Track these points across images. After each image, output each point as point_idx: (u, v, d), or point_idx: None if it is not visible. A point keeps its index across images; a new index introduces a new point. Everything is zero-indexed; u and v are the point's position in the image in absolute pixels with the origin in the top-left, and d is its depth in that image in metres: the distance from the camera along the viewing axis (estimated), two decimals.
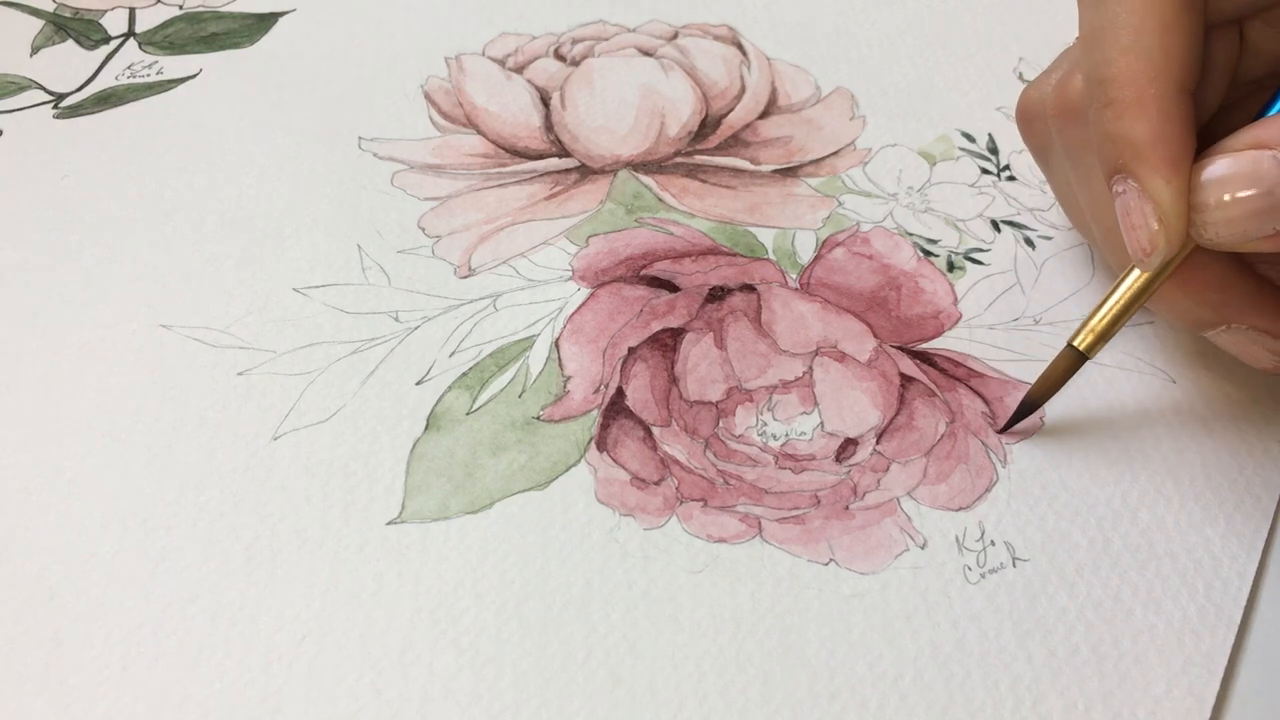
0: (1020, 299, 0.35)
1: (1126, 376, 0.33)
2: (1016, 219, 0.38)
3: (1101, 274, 0.36)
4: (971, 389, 0.33)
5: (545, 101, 0.41)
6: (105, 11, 0.44)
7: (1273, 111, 0.29)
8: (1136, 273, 0.29)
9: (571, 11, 0.45)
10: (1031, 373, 0.33)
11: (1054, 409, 0.33)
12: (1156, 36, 0.27)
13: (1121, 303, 0.30)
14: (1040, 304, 0.35)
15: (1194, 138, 0.27)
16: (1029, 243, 0.37)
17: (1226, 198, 0.26)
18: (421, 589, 0.28)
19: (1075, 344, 0.30)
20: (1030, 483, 0.31)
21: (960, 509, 0.30)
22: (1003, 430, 0.32)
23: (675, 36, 0.44)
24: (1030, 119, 0.34)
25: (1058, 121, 0.31)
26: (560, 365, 0.33)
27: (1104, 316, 0.30)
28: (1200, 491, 0.31)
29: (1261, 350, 0.30)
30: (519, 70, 0.42)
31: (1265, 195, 0.26)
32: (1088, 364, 0.33)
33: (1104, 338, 0.30)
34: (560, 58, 0.43)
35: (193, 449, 0.31)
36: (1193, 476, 0.31)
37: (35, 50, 0.43)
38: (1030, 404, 0.32)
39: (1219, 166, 0.27)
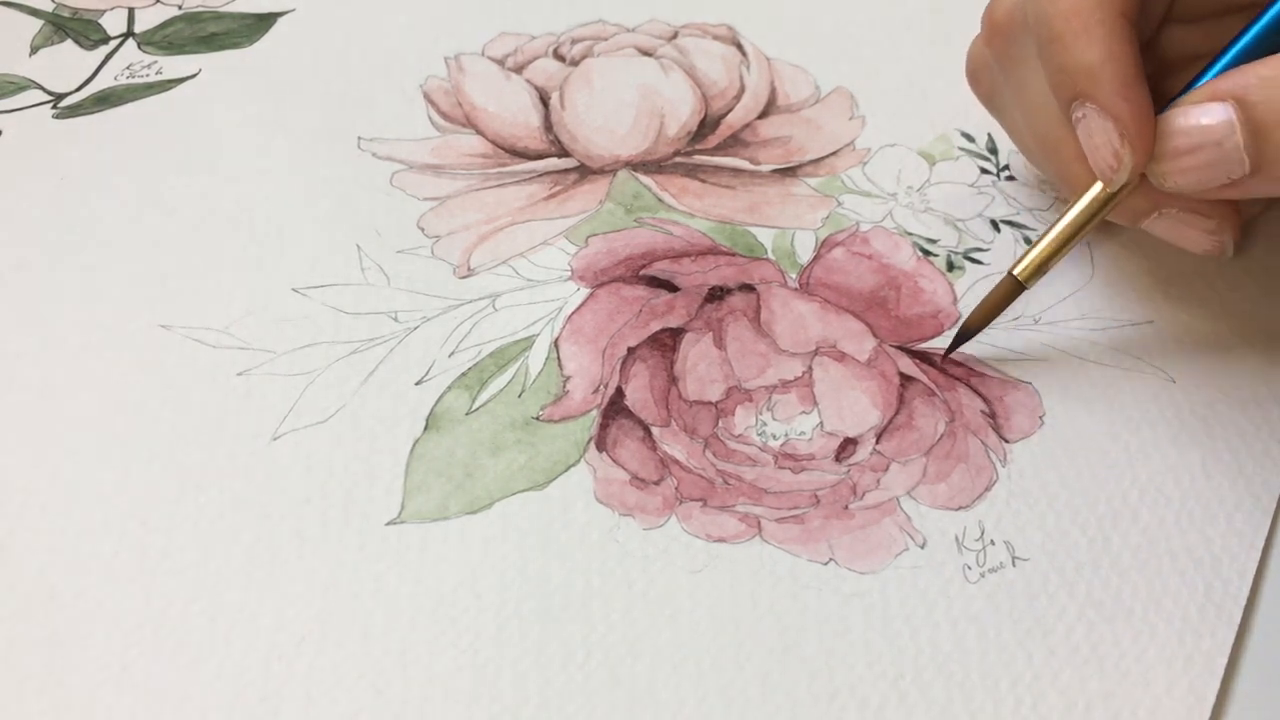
0: (1019, 299, 0.35)
1: (1127, 376, 0.33)
2: (1016, 219, 0.38)
3: (1101, 273, 0.36)
4: (971, 388, 0.33)
5: (544, 101, 0.41)
6: (104, 11, 0.44)
7: (1222, 62, 0.30)
8: (1076, 208, 0.31)
9: (571, 11, 0.45)
10: (1031, 372, 0.33)
11: (1053, 409, 0.33)
12: None
13: (1062, 235, 0.31)
14: (1040, 303, 0.35)
15: (1140, 61, 0.29)
16: (1028, 242, 0.37)
17: (1183, 147, 0.28)
18: (421, 589, 0.28)
19: (1015, 273, 0.32)
20: (1030, 482, 0.31)
21: (960, 508, 0.30)
22: (944, 357, 0.33)
23: (675, 36, 0.44)
24: (975, 69, 0.36)
25: (991, 46, 0.34)
26: (559, 365, 0.33)
27: (1044, 249, 0.32)
28: (1200, 491, 0.31)
29: (1196, 232, 0.31)
30: (518, 70, 0.42)
31: (1216, 146, 0.28)
32: (1087, 364, 0.34)
33: (1042, 269, 0.32)
34: (559, 58, 0.43)
35: (192, 450, 0.31)
36: (1193, 476, 0.31)
37: (34, 50, 0.43)
38: (968, 330, 0.33)
39: (1175, 118, 0.29)
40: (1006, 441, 0.32)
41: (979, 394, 0.33)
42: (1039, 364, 0.34)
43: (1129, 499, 0.31)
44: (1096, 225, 0.31)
